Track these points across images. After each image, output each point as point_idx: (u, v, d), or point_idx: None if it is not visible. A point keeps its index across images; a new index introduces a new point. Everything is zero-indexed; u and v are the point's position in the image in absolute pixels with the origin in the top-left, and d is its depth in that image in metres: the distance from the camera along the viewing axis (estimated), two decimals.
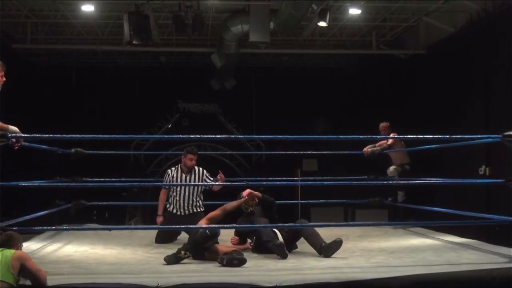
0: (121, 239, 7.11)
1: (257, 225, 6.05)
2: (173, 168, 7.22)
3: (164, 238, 6.94)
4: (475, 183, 8.36)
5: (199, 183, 7.03)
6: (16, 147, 5.24)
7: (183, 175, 7.08)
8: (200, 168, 7.16)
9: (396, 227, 8.08)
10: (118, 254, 6.11)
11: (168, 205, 7.18)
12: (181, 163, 7.17)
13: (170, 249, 6.39)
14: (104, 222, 10.00)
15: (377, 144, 8.69)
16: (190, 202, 7.05)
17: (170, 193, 7.15)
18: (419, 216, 8.11)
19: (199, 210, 7.08)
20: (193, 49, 12.60)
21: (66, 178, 7.90)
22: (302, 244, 6.72)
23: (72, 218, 8.28)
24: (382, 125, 8.81)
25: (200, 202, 7.15)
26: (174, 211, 7.09)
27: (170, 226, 6.93)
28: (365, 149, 8.69)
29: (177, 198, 7.06)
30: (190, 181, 7.06)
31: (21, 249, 4.55)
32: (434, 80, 11.02)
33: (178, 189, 7.04)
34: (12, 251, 4.33)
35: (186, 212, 7.05)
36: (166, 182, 7.15)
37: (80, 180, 7.88)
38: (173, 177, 7.10)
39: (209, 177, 7.13)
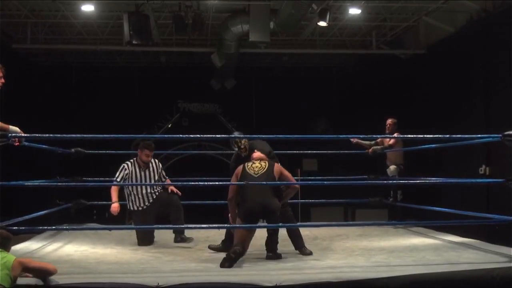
0: (121, 239, 7.11)
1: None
2: (129, 163, 6.99)
3: (145, 238, 6.80)
4: (475, 183, 8.36)
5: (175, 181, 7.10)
6: (17, 144, 5.23)
7: (141, 170, 6.94)
8: (156, 161, 7.08)
9: (396, 226, 8.08)
10: (118, 254, 6.11)
11: (130, 205, 6.97)
12: (137, 157, 6.99)
13: (171, 248, 6.41)
14: (104, 222, 9.98)
15: (378, 140, 8.68)
16: (148, 197, 6.92)
17: (128, 191, 6.94)
18: (419, 216, 8.11)
19: (157, 195, 6.97)
20: (193, 49, 12.59)
21: (66, 178, 7.90)
22: None
23: (72, 218, 8.28)
24: (388, 121, 8.81)
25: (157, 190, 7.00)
26: (139, 208, 6.91)
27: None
28: (368, 145, 8.69)
29: (135, 193, 6.89)
30: (146, 175, 6.93)
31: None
32: (434, 80, 11.03)
33: (135, 186, 6.87)
34: (13, 257, 4.38)
35: (148, 204, 6.90)
36: (121, 177, 6.90)
37: (80, 180, 7.88)
38: (130, 172, 6.93)
39: (163, 173, 7.09)
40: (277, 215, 5.76)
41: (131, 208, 6.99)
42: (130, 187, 6.91)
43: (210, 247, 6.22)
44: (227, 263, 5.20)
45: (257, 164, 5.91)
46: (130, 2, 9.82)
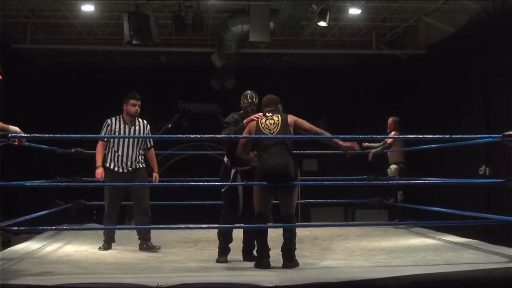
0: (121, 239, 7.10)
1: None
2: (113, 118, 6.50)
3: (113, 200, 6.45)
4: (475, 183, 8.36)
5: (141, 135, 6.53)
6: (17, 144, 5.23)
7: (126, 127, 6.46)
8: (144, 121, 6.70)
9: (397, 226, 8.09)
10: (118, 254, 6.11)
11: (106, 163, 6.45)
12: (122, 113, 6.53)
13: (171, 248, 6.40)
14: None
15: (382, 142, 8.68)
16: (132, 157, 6.41)
17: (110, 147, 6.42)
18: (419, 216, 8.11)
19: (140, 166, 6.49)
20: (193, 49, 12.59)
21: (66, 178, 7.90)
22: (302, 244, 6.74)
23: (72, 218, 8.28)
24: (389, 120, 8.82)
25: (142, 157, 6.51)
26: (116, 168, 6.41)
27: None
28: (370, 155, 8.69)
29: (119, 154, 6.38)
30: (133, 133, 6.43)
31: None
32: (434, 80, 11.02)
33: (120, 143, 6.36)
34: None
35: (130, 169, 6.40)
36: (105, 133, 6.42)
37: (80, 180, 7.87)
38: (114, 129, 6.41)
39: (150, 133, 6.69)
40: (296, 185, 5.37)
41: (107, 165, 6.44)
42: (113, 144, 6.40)
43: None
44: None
45: (270, 120, 5.45)
46: (130, 2, 9.82)
